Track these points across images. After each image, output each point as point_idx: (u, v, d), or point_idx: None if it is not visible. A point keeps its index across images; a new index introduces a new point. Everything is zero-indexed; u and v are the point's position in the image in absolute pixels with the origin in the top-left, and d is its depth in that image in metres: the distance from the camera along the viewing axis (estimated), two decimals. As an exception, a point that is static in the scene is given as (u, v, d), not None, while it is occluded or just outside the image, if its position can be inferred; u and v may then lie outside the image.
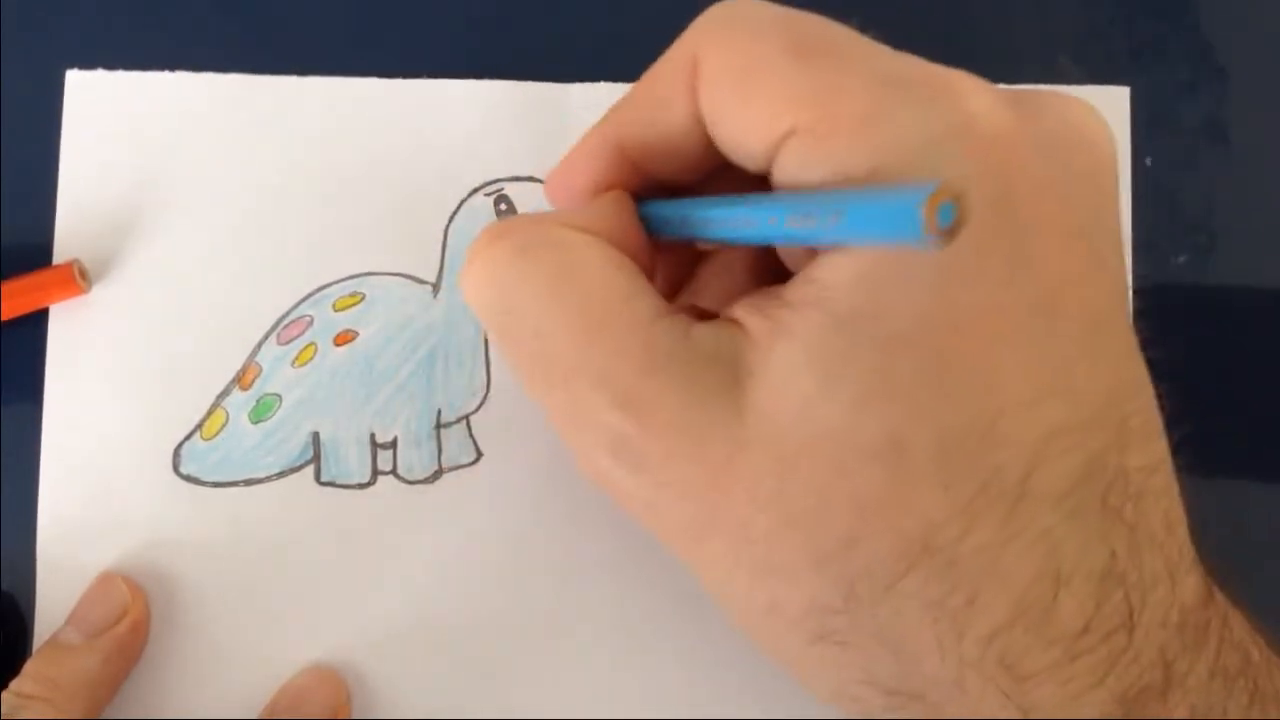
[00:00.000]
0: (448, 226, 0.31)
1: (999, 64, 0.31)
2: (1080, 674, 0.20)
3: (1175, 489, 0.22)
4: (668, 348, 0.21)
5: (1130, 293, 0.30)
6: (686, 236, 0.24)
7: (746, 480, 0.20)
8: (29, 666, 0.27)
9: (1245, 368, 0.31)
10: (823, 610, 0.21)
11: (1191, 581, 0.21)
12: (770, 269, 0.25)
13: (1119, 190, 0.22)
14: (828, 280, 0.20)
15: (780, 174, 0.21)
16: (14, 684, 0.27)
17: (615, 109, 0.24)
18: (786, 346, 0.20)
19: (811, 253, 0.21)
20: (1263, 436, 0.31)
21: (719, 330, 0.22)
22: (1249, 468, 0.31)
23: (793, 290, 0.21)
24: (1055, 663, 0.20)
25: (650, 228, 0.24)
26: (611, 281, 0.22)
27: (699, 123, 0.23)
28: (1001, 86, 0.22)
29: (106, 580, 0.29)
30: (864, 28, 0.22)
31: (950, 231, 0.17)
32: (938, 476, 0.20)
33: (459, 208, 0.31)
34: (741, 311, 0.22)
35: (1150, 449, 0.21)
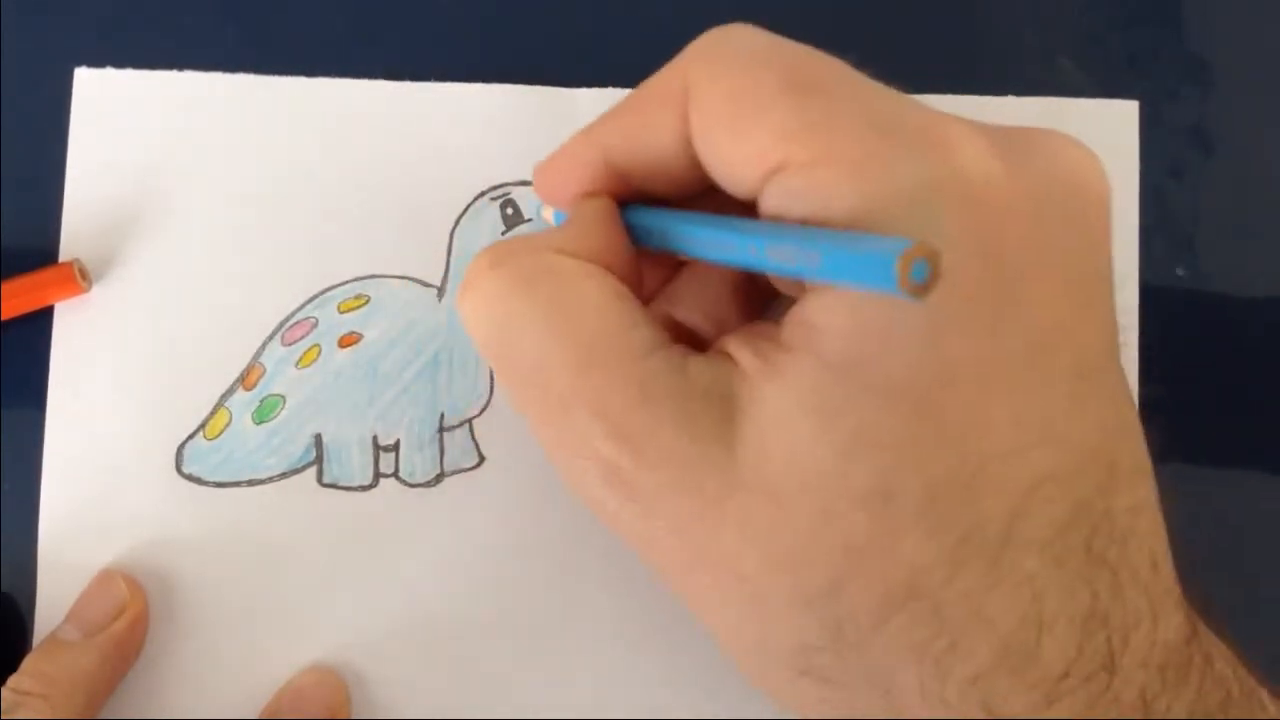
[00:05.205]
0: (453, 230, 0.31)
1: (1001, 65, 0.31)
2: (1059, 716, 0.20)
3: (1161, 526, 0.22)
4: (663, 381, 0.21)
5: (1136, 311, 0.30)
6: (669, 250, 0.24)
7: (737, 517, 0.21)
8: (27, 663, 0.27)
9: (1243, 374, 0.31)
10: (809, 648, 0.21)
11: (1175, 619, 0.21)
12: (749, 284, 0.25)
13: (1110, 230, 0.22)
14: (821, 324, 0.20)
15: (766, 205, 0.22)
16: (11, 680, 0.27)
17: (603, 122, 0.24)
18: (779, 389, 0.20)
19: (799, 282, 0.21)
20: (1262, 443, 0.31)
21: (714, 365, 0.22)
22: (1248, 473, 0.31)
23: (786, 331, 0.21)
24: (1034, 705, 0.20)
25: (633, 236, 0.24)
26: (609, 313, 0.22)
27: (688, 147, 0.23)
28: (995, 124, 0.21)
29: (106, 578, 0.29)
30: (863, 56, 0.22)
31: (924, 287, 0.17)
32: (924, 524, 0.20)
33: (465, 211, 0.30)
34: (736, 347, 0.22)
35: (1137, 489, 0.21)
